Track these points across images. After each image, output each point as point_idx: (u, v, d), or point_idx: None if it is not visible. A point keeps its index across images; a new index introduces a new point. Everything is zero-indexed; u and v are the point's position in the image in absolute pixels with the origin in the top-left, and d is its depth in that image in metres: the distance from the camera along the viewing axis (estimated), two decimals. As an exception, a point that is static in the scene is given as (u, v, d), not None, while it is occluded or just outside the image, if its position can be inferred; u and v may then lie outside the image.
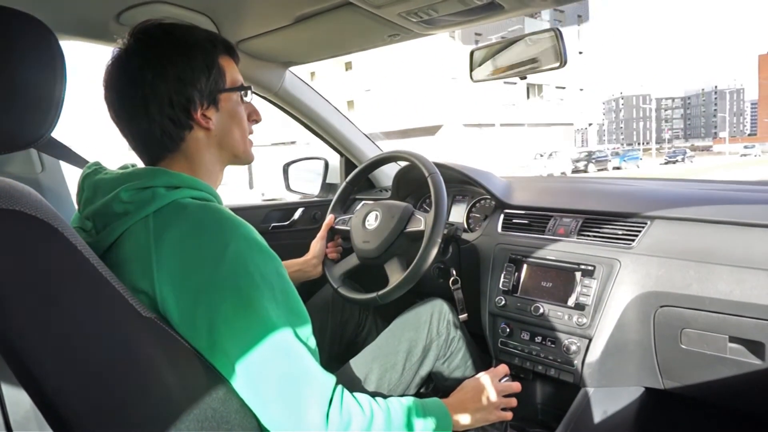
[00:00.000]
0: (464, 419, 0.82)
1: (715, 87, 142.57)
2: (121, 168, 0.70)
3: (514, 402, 0.89)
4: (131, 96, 0.66)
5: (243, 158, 0.77)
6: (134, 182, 0.63)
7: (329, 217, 1.27)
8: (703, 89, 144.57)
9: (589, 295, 1.03)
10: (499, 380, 0.89)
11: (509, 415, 0.88)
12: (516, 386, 0.89)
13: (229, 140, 0.74)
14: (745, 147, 47.20)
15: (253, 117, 0.78)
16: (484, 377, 0.87)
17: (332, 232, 1.27)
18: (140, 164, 0.72)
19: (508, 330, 1.15)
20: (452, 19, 1.01)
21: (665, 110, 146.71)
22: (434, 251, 1.01)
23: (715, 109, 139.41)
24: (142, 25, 0.68)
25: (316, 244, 1.23)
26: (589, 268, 1.05)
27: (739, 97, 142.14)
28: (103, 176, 0.66)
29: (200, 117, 0.69)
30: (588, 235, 1.12)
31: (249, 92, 0.76)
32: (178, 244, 0.59)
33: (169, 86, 0.66)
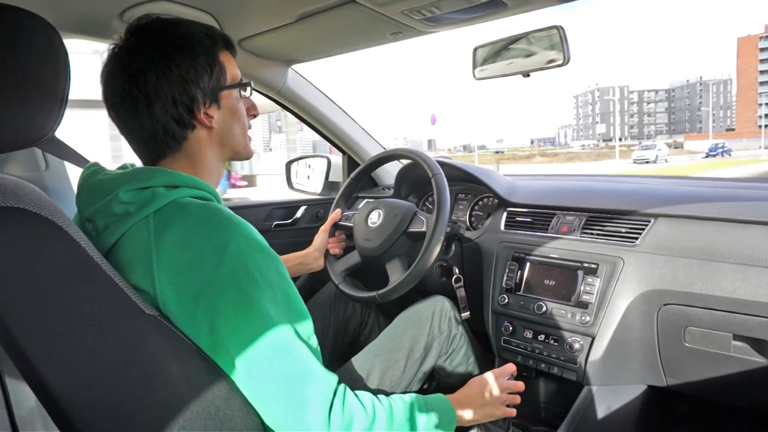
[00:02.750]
0: (469, 414, 0.83)
1: (701, 78, 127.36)
2: (120, 168, 0.70)
3: (518, 399, 0.90)
4: (134, 96, 0.65)
5: (244, 154, 0.77)
6: (133, 183, 0.63)
7: (336, 211, 1.27)
8: (688, 80, 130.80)
9: (592, 293, 1.03)
10: (506, 379, 0.90)
11: (513, 411, 0.89)
12: (520, 385, 0.91)
13: (230, 137, 0.74)
14: (644, 148, 32.49)
15: (252, 111, 0.78)
16: (489, 374, 0.89)
17: (335, 228, 1.27)
18: (138, 164, 0.72)
19: (510, 328, 1.15)
20: (455, 16, 1.01)
21: (648, 104, 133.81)
22: (435, 253, 1.01)
23: (700, 102, 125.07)
24: (141, 22, 0.67)
25: (318, 237, 1.23)
26: (593, 266, 1.05)
27: (726, 88, 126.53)
28: (102, 177, 0.66)
29: (203, 116, 0.69)
30: (591, 233, 1.11)
31: (249, 88, 0.75)
32: (179, 244, 0.59)
33: (173, 86, 0.65)
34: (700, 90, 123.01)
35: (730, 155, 37.04)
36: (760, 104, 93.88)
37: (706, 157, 36.41)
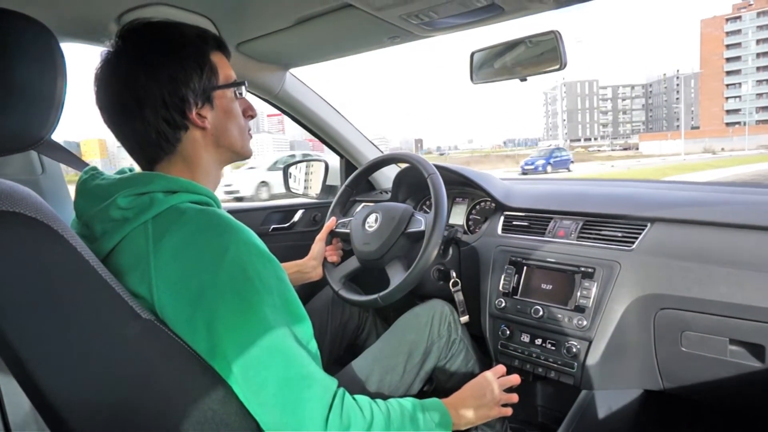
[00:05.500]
0: (465, 416, 0.83)
1: (677, 71, 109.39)
2: (119, 173, 0.69)
3: (515, 397, 0.89)
4: (124, 98, 0.65)
5: (242, 154, 0.77)
6: (131, 188, 0.63)
7: (331, 220, 1.26)
8: (664, 74, 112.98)
9: (589, 298, 1.03)
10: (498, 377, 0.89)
11: (509, 410, 0.89)
12: (515, 379, 0.90)
13: (226, 138, 0.73)
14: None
15: (249, 113, 0.77)
16: (483, 375, 0.89)
17: (331, 235, 1.27)
18: (137, 168, 0.72)
19: (508, 332, 1.15)
20: (453, 21, 1.02)
21: (623, 100, 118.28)
22: (435, 251, 1.01)
23: (677, 98, 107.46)
24: (130, 25, 0.67)
25: (315, 246, 1.23)
26: (589, 270, 1.05)
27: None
28: (100, 182, 0.66)
29: (195, 116, 0.68)
30: (588, 237, 1.12)
31: (243, 88, 0.75)
32: (177, 250, 0.59)
33: (162, 87, 0.65)
34: (677, 84, 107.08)
35: (569, 170, 23.99)
36: (727, 98, 77.77)
37: (523, 173, 22.88)
